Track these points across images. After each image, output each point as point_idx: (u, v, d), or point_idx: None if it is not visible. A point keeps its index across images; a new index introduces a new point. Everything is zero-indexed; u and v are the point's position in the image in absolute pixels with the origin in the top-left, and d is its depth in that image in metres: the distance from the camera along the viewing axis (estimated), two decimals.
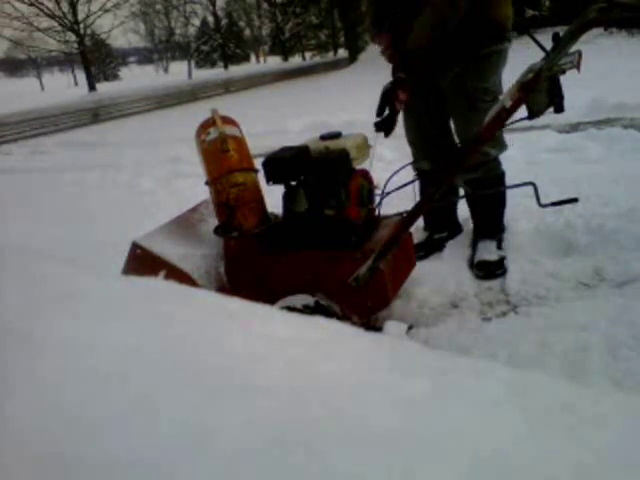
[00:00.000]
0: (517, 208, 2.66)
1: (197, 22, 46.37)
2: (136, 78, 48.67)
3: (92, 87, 28.68)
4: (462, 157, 1.77)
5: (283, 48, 42.73)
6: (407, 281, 2.20)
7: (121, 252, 2.05)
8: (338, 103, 7.31)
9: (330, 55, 40.37)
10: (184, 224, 2.16)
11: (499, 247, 2.43)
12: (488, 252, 2.39)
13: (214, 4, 41.78)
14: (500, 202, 2.47)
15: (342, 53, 36.74)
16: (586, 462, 0.41)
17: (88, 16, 28.90)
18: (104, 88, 31.65)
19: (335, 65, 22.67)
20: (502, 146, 2.34)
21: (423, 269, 2.41)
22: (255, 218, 2.03)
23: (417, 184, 2.39)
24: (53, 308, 0.60)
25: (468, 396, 0.52)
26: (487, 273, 2.33)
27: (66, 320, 0.57)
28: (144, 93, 22.73)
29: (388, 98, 2.14)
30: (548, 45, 1.61)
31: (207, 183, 2.07)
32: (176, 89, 23.21)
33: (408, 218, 1.88)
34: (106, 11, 29.65)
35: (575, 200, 1.80)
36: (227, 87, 20.06)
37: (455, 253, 2.55)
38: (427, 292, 2.27)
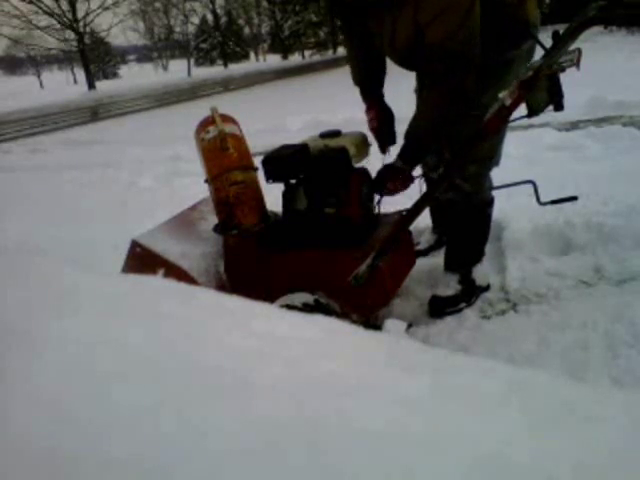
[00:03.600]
0: (517, 206, 2.66)
1: (196, 20, 46.33)
2: (135, 76, 48.58)
3: (91, 85, 28.59)
4: (461, 156, 1.77)
5: (282, 46, 42.66)
6: (407, 279, 2.21)
7: (120, 250, 2.05)
8: (338, 101, 7.31)
9: (330, 53, 40.32)
10: (184, 222, 2.16)
11: (461, 281, 2.18)
12: (444, 286, 2.19)
13: (213, 2, 41.70)
14: (472, 234, 2.20)
15: (342, 51, 36.67)
16: (586, 462, 0.41)
17: (87, 14, 28.76)
18: (103, 86, 31.58)
19: (335, 63, 22.65)
20: (480, 189, 2.08)
21: (423, 267, 2.41)
22: (254, 216, 2.03)
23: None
24: (52, 307, 0.60)
25: (468, 395, 0.52)
26: (435, 310, 2.14)
27: (66, 319, 0.57)
28: (143, 91, 22.70)
29: (379, 184, 2.02)
30: (548, 43, 1.61)
31: (206, 181, 2.06)
32: (175, 87, 23.17)
33: (408, 216, 1.88)
34: (105, 9, 29.54)
35: (575, 198, 1.80)
36: (226, 85, 20.02)
37: None
38: (427, 290, 2.27)
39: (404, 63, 2.02)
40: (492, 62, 1.85)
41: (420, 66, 1.88)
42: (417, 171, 2.13)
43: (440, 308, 2.15)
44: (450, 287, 2.18)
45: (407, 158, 1.94)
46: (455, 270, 2.22)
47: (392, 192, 2.01)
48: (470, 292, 2.19)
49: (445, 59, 1.74)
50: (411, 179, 1.98)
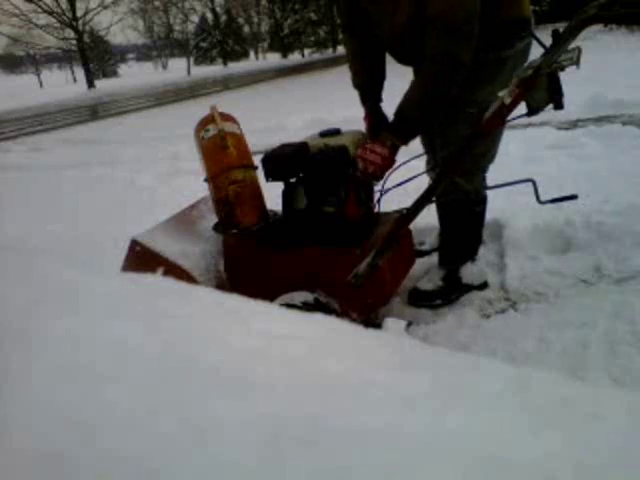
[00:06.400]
0: (516, 205, 2.66)
1: (196, 19, 46.38)
2: (135, 75, 48.59)
3: (91, 84, 28.59)
4: (461, 154, 1.77)
5: (282, 45, 42.64)
6: (406, 278, 2.20)
7: (120, 249, 2.05)
8: (337, 100, 7.30)
9: (329, 52, 40.30)
10: (183, 221, 2.16)
11: (445, 278, 2.22)
12: (427, 280, 2.24)
13: (213, 1, 41.70)
14: (462, 232, 2.22)
15: (341, 50, 36.66)
16: (586, 461, 0.41)
17: (87, 12, 28.79)
18: (103, 85, 31.59)
19: (334, 62, 22.64)
20: (476, 187, 2.07)
21: (423, 266, 2.41)
22: (254, 215, 2.03)
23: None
24: (52, 306, 0.60)
25: (468, 393, 0.52)
26: (413, 301, 2.22)
27: (65, 318, 0.57)
28: (143, 90, 22.69)
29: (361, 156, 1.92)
30: (547, 41, 1.61)
31: (206, 180, 2.06)
32: (175, 86, 23.16)
33: (407, 215, 1.88)
34: (105, 8, 29.58)
35: (574, 197, 1.79)
36: (226, 84, 20.01)
37: None
38: None
39: (403, 52, 2.01)
40: (484, 59, 1.86)
41: (419, 49, 1.87)
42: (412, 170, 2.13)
43: (415, 300, 2.22)
44: (431, 282, 2.22)
45: (394, 129, 1.90)
46: (444, 265, 2.25)
47: (372, 170, 1.89)
48: (450, 290, 2.21)
49: (444, 33, 1.74)
50: (392, 158, 1.91)
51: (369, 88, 2.17)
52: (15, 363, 0.48)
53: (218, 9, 44.29)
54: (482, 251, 2.34)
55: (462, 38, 1.74)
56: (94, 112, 15.57)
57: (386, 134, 1.91)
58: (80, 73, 36.25)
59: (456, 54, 1.75)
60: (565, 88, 1.61)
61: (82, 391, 0.45)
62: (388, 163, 1.91)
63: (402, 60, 2.06)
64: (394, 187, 2.09)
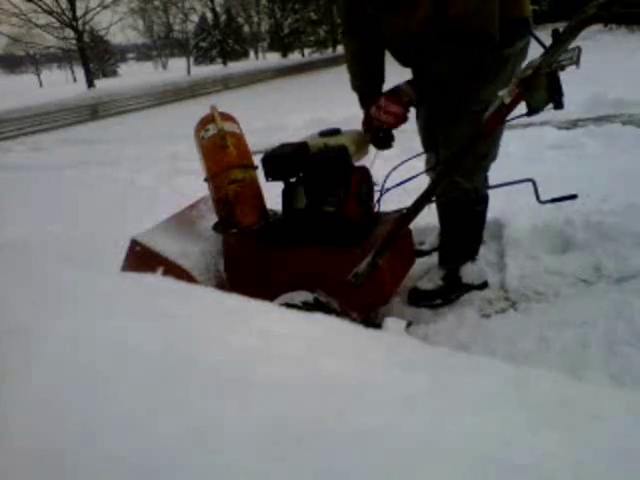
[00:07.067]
0: (516, 205, 2.66)
1: (196, 18, 46.39)
2: (135, 75, 48.56)
3: (91, 84, 28.59)
4: (461, 153, 1.77)
5: (282, 44, 42.63)
6: (406, 278, 2.20)
7: (120, 249, 2.04)
8: (337, 100, 7.30)
9: (329, 51, 40.30)
10: (183, 221, 2.16)
11: (445, 277, 2.22)
12: (427, 280, 2.25)
13: (212, 0, 41.69)
14: (463, 231, 2.22)
15: (341, 49, 36.62)
16: (586, 461, 0.41)
17: (87, 12, 28.79)
18: (103, 85, 31.59)
19: (334, 61, 22.63)
20: (477, 186, 2.08)
21: (423, 266, 2.41)
22: (254, 215, 2.03)
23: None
24: (52, 306, 0.60)
25: (467, 393, 0.52)
26: (413, 301, 2.23)
27: (65, 318, 0.57)
28: (143, 90, 22.68)
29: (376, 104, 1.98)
30: (547, 41, 1.61)
31: (206, 180, 2.06)
32: (175, 86, 23.16)
33: (407, 215, 1.88)
34: (105, 7, 29.58)
35: (574, 196, 1.79)
36: (226, 84, 20.00)
37: None
38: None
39: (411, 53, 2.00)
40: (488, 59, 1.86)
41: (430, 50, 1.86)
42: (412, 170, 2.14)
43: (415, 300, 2.22)
44: (431, 282, 2.22)
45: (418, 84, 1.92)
46: (445, 265, 2.25)
47: (385, 127, 1.98)
48: (450, 290, 2.21)
49: (462, 37, 1.76)
50: (405, 116, 1.94)
51: (368, 90, 2.16)
52: (15, 363, 0.48)
53: (218, 9, 44.29)
54: (482, 251, 2.34)
55: (483, 41, 1.78)
56: (94, 112, 15.56)
57: (408, 89, 1.92)
58: (80, 73, 36.23)
59: (475, 59, 1.80)
60: (565, 88, 1.60)
61: (82, 391, 0.45)
62: (401, 122, 1.94)
63: (406, 61, 2.06)
64: (394, 187, 2.09)
